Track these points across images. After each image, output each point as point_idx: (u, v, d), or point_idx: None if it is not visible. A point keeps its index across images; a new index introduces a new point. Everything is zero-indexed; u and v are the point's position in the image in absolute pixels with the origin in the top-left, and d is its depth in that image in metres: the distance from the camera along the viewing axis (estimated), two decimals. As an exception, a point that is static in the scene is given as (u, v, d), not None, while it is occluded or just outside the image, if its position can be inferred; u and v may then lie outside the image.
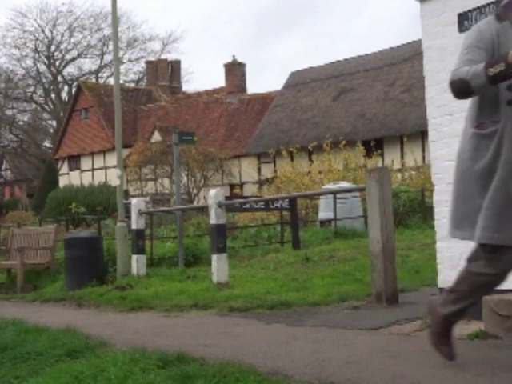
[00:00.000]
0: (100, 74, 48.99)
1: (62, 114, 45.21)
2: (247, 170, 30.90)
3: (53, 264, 11.58)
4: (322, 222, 14.20)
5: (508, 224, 3.41)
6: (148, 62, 44.43)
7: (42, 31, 46.97)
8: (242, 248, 12.43)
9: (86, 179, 36.27)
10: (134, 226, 10.13)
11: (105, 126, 36.72)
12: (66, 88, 49.07)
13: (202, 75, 75.69)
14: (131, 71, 50.20)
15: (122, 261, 10.12)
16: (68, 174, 39.64)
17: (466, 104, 4.93)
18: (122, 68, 45.85)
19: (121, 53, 42.96)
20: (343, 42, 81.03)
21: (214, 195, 8.56)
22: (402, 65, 28.59)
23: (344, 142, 21.65)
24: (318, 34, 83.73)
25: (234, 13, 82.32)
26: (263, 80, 78.91)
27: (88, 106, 38.42)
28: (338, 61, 32.32)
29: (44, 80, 48.11)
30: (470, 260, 3.71)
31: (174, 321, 6.47)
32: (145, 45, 49.06)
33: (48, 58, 47.32)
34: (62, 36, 47.32)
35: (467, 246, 4.94)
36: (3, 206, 39.67)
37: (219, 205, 8.45)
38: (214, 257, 8.38)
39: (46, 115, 50.09)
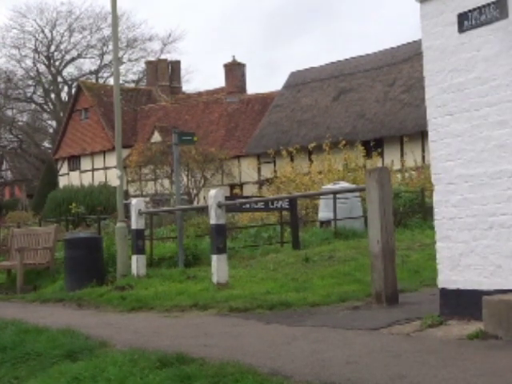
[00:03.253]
0: (100, 74, 49.00)
1: (61, 114, 45.17)
2: (247, 171, 30.88)
3: (53, 264, 11.57)
4: (322, 222, 14.19)
5: None
6: (148, 62, 44.38)
7: (42, 31, 46.99)
8: (241, 248, 12.42)
9: (86, 179, 36.23)
10: (133, 226, 10.12)
11: (105, 126, 36.70)
12: (65, 88, 49.06)
13: (202, 75, 75.64)
14: (131, 71, 50.19)
15: (122, 261, 10.11)
16: (68, 174, 39.61)
17: (467, 104, 4.94)
18: (122, 68, 45.85)
19: (121, 53, 42.96)
20: (354, 41, 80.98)
21: (213, 195, 8.56)
22: (402, 65, 28.57)
23: (344, 142, 21.63)
24: (330, 34, 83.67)
25: (242, 13, 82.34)
26: (273, 81, 78.95)
27: (88, 106, 38.40)
28: (338, 61, 32.30)
29: (44, 80, 48.08)
30: None
31: (174, 321, 6.46)
32: (144, 45, 49.07)
33: (48, 58, 47.30)
34: (62, 36, 47.34)
35: (467, 247, 4.95)
36: (3, 206, 39.63)
37: (219, 205, 8.44)
38: (214, 257, 8.38)
39: (45, 115, 50.07)
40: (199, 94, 40.88)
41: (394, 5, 78.22)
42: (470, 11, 4.88)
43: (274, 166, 28.53)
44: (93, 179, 35.75)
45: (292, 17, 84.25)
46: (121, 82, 33.00)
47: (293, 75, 33.22)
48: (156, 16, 77.74)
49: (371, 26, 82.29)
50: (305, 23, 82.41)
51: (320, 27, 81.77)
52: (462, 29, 4.93)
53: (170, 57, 45.85)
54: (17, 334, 5.71)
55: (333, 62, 32.48)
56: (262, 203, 12.09)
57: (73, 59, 48.36)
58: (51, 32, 46.95)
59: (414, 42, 26.92)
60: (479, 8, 4.81)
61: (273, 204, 12.15)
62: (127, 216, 11.02)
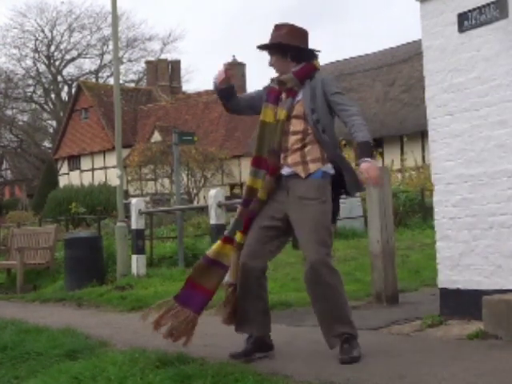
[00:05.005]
0: (100, 74, 49.00)
1: (61, 114, 45.19)
2: (247, 170, 30.88)
3: (53, 264, 11.57)
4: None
5: None
6: (148, 62, 44.40)
7: (42, 31, 46.99)
8: (241, 248, 12.38)
9: (86, 179, 36.24)
10: (133, 226, 10.12)
11: (105, 126, 36.71)
12: (65, 88, 49.06)
13: (202, 75, 75.65)
14: (131, 71, 50.19)
15: (122, 261, 10.11)
16: (68, 174, 39.63)
17: (467, 104, 4.94)
18: (122, 68, 45.82)
19: (120, 53, 42.96)
20: (356, 41, 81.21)
21: (213, 195, 8.56)
22: (402, 65, 28.57)
23: (344, 142, 21.60)
24: (332, 35, 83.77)
25: (244, 15, 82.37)
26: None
27: (88, 106, 38.42)
28: (338, 61, 32.30)
29: (44, 80, 48.08)
30: None
31: (174, 321, 6.45)
32: (144, 45, 49.08)
33: (48, 57, 47.29)
34: (62, 36, 47.34)
35: (467, 246, 4.95)
36: (3, 206, 39.62)
37: (219, 205, 8.45)
38: (214, 257, 8.36)
39: (45, 115, 50.06)
40: (199, 94, 40.86)
41: (395, 5, 78.22)
42: (469, 11, 4.88)
43: (274, 165, 28.49)
44: (93, 179, 35.76)
45: (293, 18, 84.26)
46: (121, 81, 33.00)
47: (293, 75, 33.18)
48: (156, 15, 77.79)
49: (372, 26, 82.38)
50: (307, 25, 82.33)
51: (322, 28, 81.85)
52: (461, 29, 4.93)
53: (170, 57, 45.87)
54: (17, 333, 5.71)
55: (333, 62, 32.45)
56: (262, 203, 12.07)
57: (73, 59, 48.37)
58: (51, 32, 46.99)
59: (414, 41, 26.92)
60: (479, 8, 4.81)
61: (273, 204, 12.13)
62: (127, 216, 11.02)
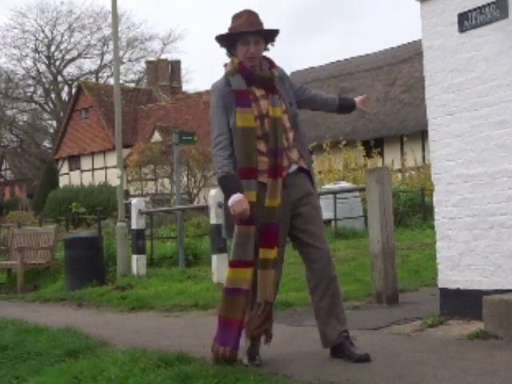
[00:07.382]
0: (100, 74, 49.01)
1: (62, 114, 45.21)
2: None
3: (53, 264, 11.58)
4: (323, 222, 14.17)
5: None
6: (148, 62, 44.40)
7: (42, 31, 47.01)
8: (242, 248, 12.37)
9: (86, 179, 36.26)
10: (134, 226, 10.13)
11: (105, 126, 36.72)
12: (66, 88, 49.08)
13: (202, 75, 75.62)
14: (131, 71, 50.22)
15: (122, 261, 10.12)
16: (68, 174, 39.64)
17: (467, 104, 4.95)
18: (122, 68, 45.86)
19: (121, 52, 42.96)
20: (359, 42, 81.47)
21: (213, 195, 8.57)
22: (402, 65, 28.58)
23: (344, 142, 21.63)
24: (332, 37, 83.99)
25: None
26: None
27: (88, 106, 38.43)
28: (338, 61, 32.32)
29: (44, 80, 48.11)
30: None
31: (175, 321, 6.47)
32: (144, 45, 49.09)
33: (48, 58, 47.30)
34: (62, 36, 47.35)
35: (467, 247, 4.95)
36: (3, 205, 39.62)
37: (219, 205, 8.44)
38: (214, 257, 8.38)
39: (46, 115, 50.08)
40: (199, 94, 40.85)
41: (397, 5, 78.30)
42: (470, 11, 4.88)
43: (274, 165, 28.46)
44: (93, 179, 35.77)
45: (293, 20, 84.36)
46: (121, 81, 33.01)
47: (293, 75, 33.19)
48: (156, 15, 77.76)
49: (379, 26, 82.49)
50: (318, 25, 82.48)
51: (334, 29, 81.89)
52: (462, 28, 4.93)
53: (170, 57, 45.89)
54: (17, 333, 5.71)
55: (333, 62, 32.49)
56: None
57: (73, 59, 48.38)
58: (51, 32, 47.01)
59: (414, 42, 26.93)
60: (479, 8, 4.81)
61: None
62: (127, 216, 11.02)
